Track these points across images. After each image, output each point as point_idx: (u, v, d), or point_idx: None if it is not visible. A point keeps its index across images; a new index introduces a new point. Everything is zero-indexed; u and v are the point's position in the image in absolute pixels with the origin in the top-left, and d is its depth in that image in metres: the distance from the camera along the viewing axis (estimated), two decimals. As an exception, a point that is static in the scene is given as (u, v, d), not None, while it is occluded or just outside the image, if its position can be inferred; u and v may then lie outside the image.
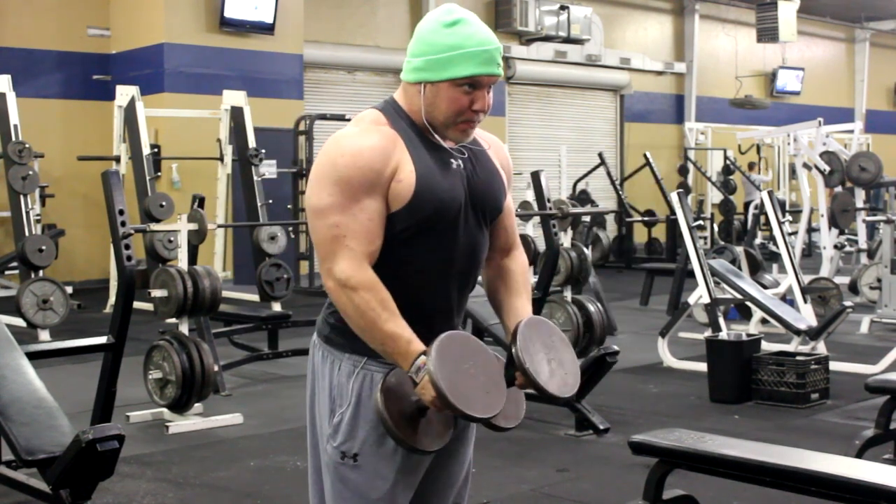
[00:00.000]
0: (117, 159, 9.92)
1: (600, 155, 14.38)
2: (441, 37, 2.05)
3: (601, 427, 5.09)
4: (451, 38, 2.04)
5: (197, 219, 5.71)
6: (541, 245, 7.96)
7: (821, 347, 6.73)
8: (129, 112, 9.46)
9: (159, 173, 10.16)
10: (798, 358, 5.99)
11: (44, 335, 7.82)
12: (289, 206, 11.14)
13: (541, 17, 15.71)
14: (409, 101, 2.11)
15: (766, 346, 6.35)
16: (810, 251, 13.94)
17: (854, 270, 9.87)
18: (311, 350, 2.22)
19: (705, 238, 14.53)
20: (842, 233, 10.21)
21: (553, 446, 5.04)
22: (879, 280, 8.69)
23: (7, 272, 10.54)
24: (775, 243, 9.09)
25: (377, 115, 2.11)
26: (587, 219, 12.17)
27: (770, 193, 7.98)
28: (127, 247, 4.66)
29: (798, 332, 6.69)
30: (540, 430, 5.35)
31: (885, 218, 8.64)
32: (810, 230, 12.86)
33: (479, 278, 2.28)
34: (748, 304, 7.34)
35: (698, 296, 7.04)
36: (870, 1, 19.72)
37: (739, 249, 9.15)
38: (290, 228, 9.39)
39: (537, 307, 6.50)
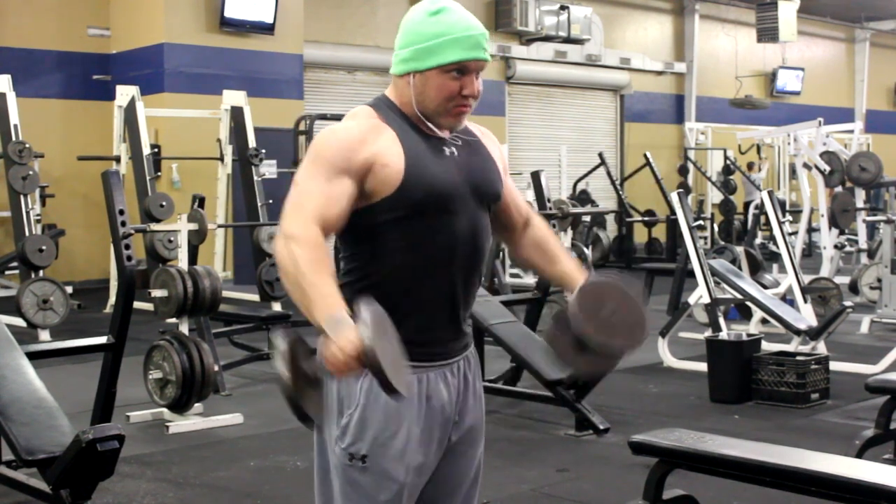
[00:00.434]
0: (117, 159, 9.92)
1: (600, 155, 14.38)
2: (426, 26, 2.07)
3: (601, 427, 5.09)
4: (437, 26, 2.06)
5: (197, 219, 5.71)
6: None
7: (821, 347, 6.73)
8: (129, 112, 9.46)
9: (159, 173, 10.15)
10: (798, 358, 5.99)
11: (44, 335, 7.82)
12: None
13: (541, 17, 15.72)
14: (399, 94, 2.12)
15: (767, 346, 6.34)
16: (810, 251, 13.94)
17: (854, 270, 9.87)
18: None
19: (705, 238, 14.53)
20: (842, 233, 10.21)
21: (553, 446, 5.04)
22: (879, 280, 8.69)
23: (7, 272, 10.54)
24: (775, 243, 9.09)
25: (369, 111, 2.12)
26: (587, 219, 12.18)
27: (770, 193, 7.98)
28: (127, 247, 4.66)
29: (798, 332, 6.68)
30: (540, 430, 5.35)
31: (885, 218, 8.64)
32: (810, 230, 12.86)
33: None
34: (748, 304, 7.34)
35: (698, 296, 7.04)
36: (870, 1, 19.72)
37: (739, 249, 9.15)
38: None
39: (537, 307, 6.51)
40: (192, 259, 5.74)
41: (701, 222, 13.39)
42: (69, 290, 8.55)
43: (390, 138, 2.06)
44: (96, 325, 8.25)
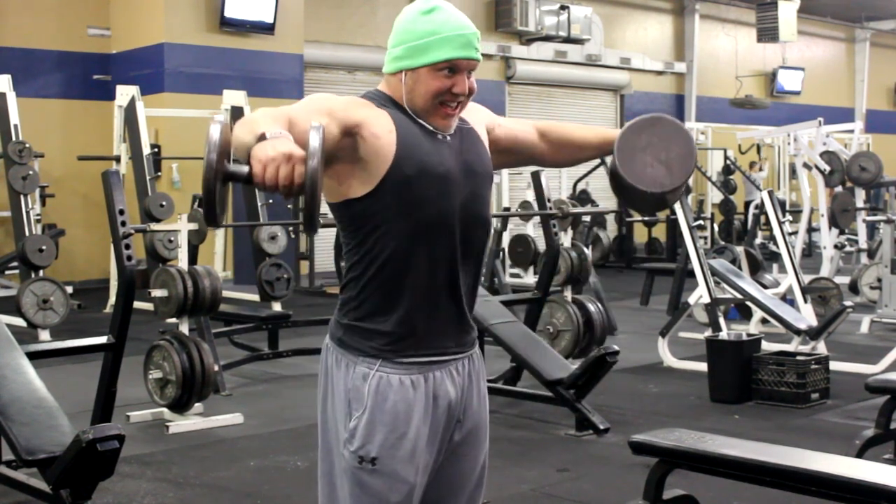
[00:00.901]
0: (117, 159, 9.92)
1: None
2: (418, 24, 2.08)
3: (601, 427, 5.09)
4: (428, 24, 2.07)
5: (197, 219, 5.71)
6: (541, 245, 7.97)
7: (821, 347, 6.73)
8: (130, 112, 9.46)
9: (159, 173, 10.16)
10: (798, 358, 5.99)
11: (44, 335, 7.82)
12: (289, 206, 11.13)
13: (541, 17, 15.72)
14: (391, 91, 2.14)
15: (767, 346, 6.34)
16: (810, 251, 13.94)
17: (854, 270, 9.87)
18: (324, 353, 2.19)
19: (705, 238, 14.52)
20: (842, 233, 10.21)
21: (553, 446, 5.04)
22: (879, 280, 8.69)
23: (7, 272, 10.54)
24: (775, 243, 9.09)
25: (362, 99, 2.15)
26: (587, 218, 12.16)
27: (770, 193, 7.98)
28: (127, 247, 4.66)
29: (798, 332, 6.68)
30: (540, 430, 5.35)
31: (885, 218, 8.64)
32: (810, 230, 12.86)
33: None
34: (748, 303, 7.34)
35: (698, 296, 7.04)
36: (870, 1, 19.72)
37: (739, 249, 9.15)
38: (291, 228, 9.39)
39: (537, 307, 6.50)
40: (192, 259, 5.74)
41: (701, 222, 13.37)
42: (69, 290, 8.56)
43: (383, 116, 2.07)
44: (96, 325, 8.25)
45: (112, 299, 9.33)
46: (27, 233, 8.29)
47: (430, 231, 2.07)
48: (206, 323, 6.35)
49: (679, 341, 7.64)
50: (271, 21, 12.05)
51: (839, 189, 10.00)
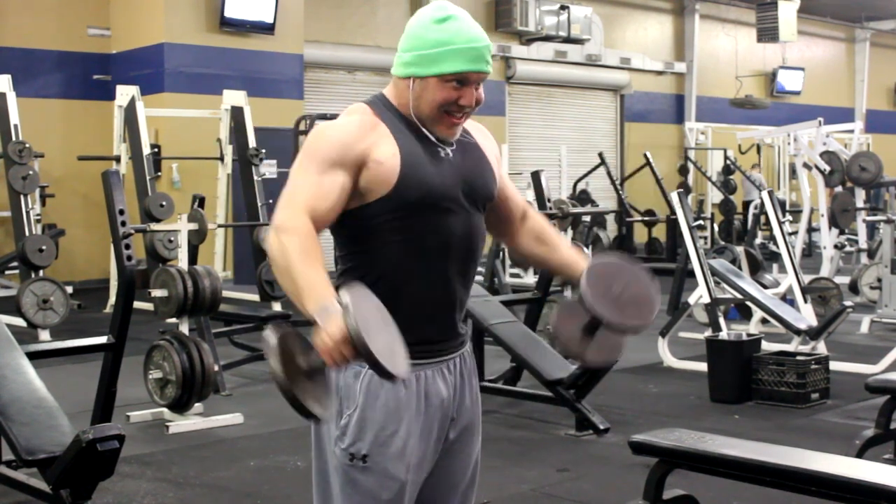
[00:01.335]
0: (117, 159, 9.92)
1: (600, 155, 14.37)
2: (431, 32, 2.06)
3: (601, 427, 5.09)
4: (441, 34, 2.05)
5: (197, 219, 5.71)
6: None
7: (821, 347, 6.73)
8: (130, 112, 9.46)
9: (159, 173, 10.15)
10: (798, 358, 5.99)
11: (44, 335, 7.82)
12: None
13: (541, 17, 15.72)
14: (398, 95, 2.13)
15: (767, 346, 6.34)
16: (810, 251, 13.94)
17: (854, 270, 9.87)
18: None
19: (705, 238, 14.53)
20: (842, 233, 10.21)
21: (553, 446, 5.04)
22: (879, 280, 8.69)
23: (7, 272, 10.54)
24: (775, 243, 9.09)
25: (365, 108, 2.13)
26: (587, 219, 12.17)
27: (770, 193, 7.98)
28: (127, 247, 4.66)
29: (798, 332, 6.68)
30: (540, 430, 5.35)
31: (885, 218, 8.64)
32: (810, 230, 12.85)
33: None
34: (748, 303, 7.34)
35: (698, 296, 7.04)
36: (870, 1, 19.72)
37: (739, 249, 9.15)
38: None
39: (537, 307, 6.51)
40: (192, 259, 5.74)
41: (701, 222, 13.38)
42: (69, 290, 8.56)
43: (386, 136, 2.07)
44: (96, 325, 8.25)
45: (112, 299, 9.32)
46: (27, 233, 8.29)
47: (427, 250, 2.08)
48: (206, 323, 6.35)
49: (679, 341, 7.64)
50: (271, 21, 12.05)
51: (839, 189, 10.00)
